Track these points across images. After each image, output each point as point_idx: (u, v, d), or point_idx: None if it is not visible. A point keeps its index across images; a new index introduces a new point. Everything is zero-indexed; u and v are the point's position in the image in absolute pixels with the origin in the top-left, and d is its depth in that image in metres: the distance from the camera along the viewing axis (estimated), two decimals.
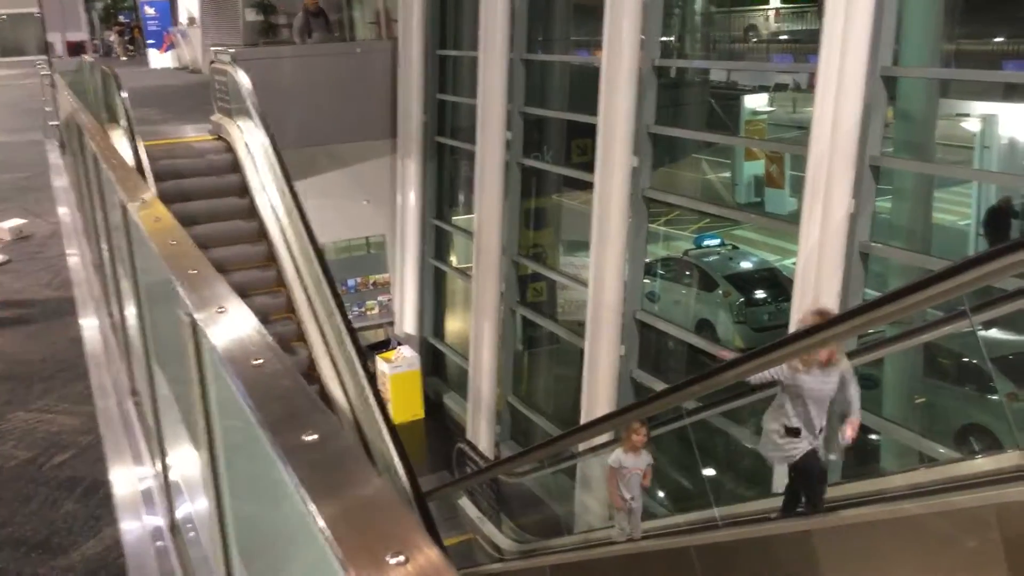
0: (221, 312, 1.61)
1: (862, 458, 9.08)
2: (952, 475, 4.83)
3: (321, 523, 0.96)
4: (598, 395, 11.54)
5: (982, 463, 4.69)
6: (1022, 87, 8.80)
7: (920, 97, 8.91)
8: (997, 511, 3.46)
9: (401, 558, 0.88)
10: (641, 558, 5.74)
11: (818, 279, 8.32)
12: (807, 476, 4.90)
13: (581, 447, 8.52)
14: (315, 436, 1.09)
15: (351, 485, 1.02)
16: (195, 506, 2.94)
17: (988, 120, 13.43)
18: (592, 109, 11.35)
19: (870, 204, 8.31)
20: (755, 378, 4.86)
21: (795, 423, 4.77)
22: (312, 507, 0.98)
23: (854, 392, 5.00)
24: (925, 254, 8.51)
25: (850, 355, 7.07)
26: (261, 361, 1.38)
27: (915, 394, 9.82)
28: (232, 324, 1.57)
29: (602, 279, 11.39)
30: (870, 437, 9.17)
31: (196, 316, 1.69)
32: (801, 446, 4.77)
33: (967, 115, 15.65)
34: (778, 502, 6.25)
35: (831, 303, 8.11)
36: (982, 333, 9.87)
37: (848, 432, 4.85)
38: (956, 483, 4.43)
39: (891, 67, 8.01)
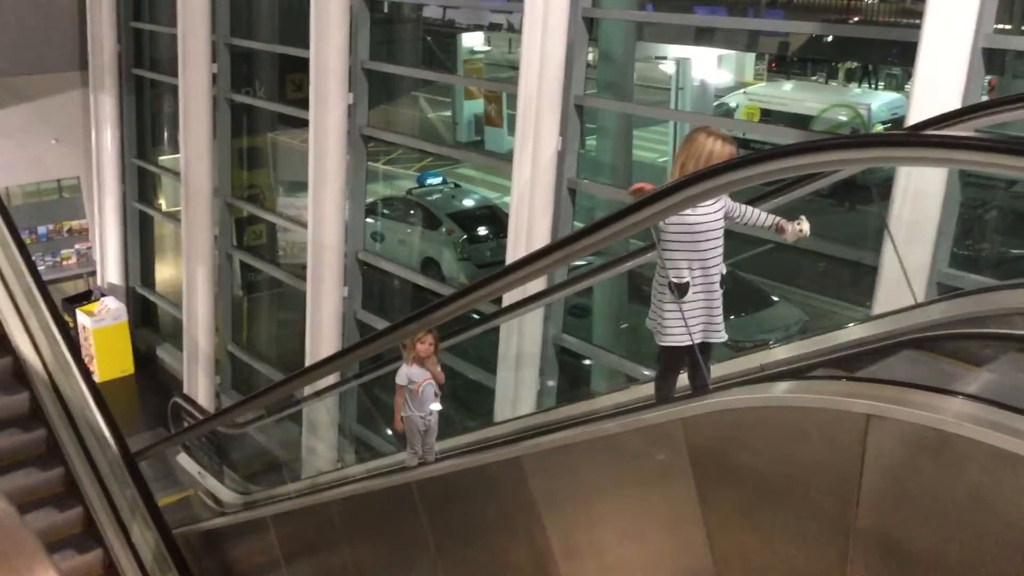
0: None
1: (574, 383, 9.63)
2: (647, 394, 5.20)
3: None
4: (322, 338, 11.34)
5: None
6: (711, 31, 9.45)
7: (619, 39, 9.36)
8: (683, 424, 3.73)
9: None
10: (429, 484, 5.36)
11: (531, 214, 8.59)
12: (695, 351, 4.07)
13: (307, 391, 8.34)
14: None
15: None
16: None
17: (682, 63, 14.40)
18: (306, 42, 10.90)
19: (576, 142, 8.67)
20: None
21: (686, 276, 3.95)
22: None
23: (753, 211, 4.24)
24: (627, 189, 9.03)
25: (560, 286, 7.42)
26: None
27: (622, 320, 10.53)
28: None
29: (322, 220, 11.10)
30: (583, 362, 9.75)
31: None
32: (695, 314, 3.94)
33: (664, 58, 16.77)
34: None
35: (543, 234, 8.43)
36: None
37: (789, 229, 4.09)
38: (650, 401, 4.77)
39: (591, 8, 8.32)
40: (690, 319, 4.01)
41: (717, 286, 4.06)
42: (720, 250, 4.08)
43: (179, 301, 14.56)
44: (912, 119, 5.74)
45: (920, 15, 6.00)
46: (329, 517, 6.39)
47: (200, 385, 13.83)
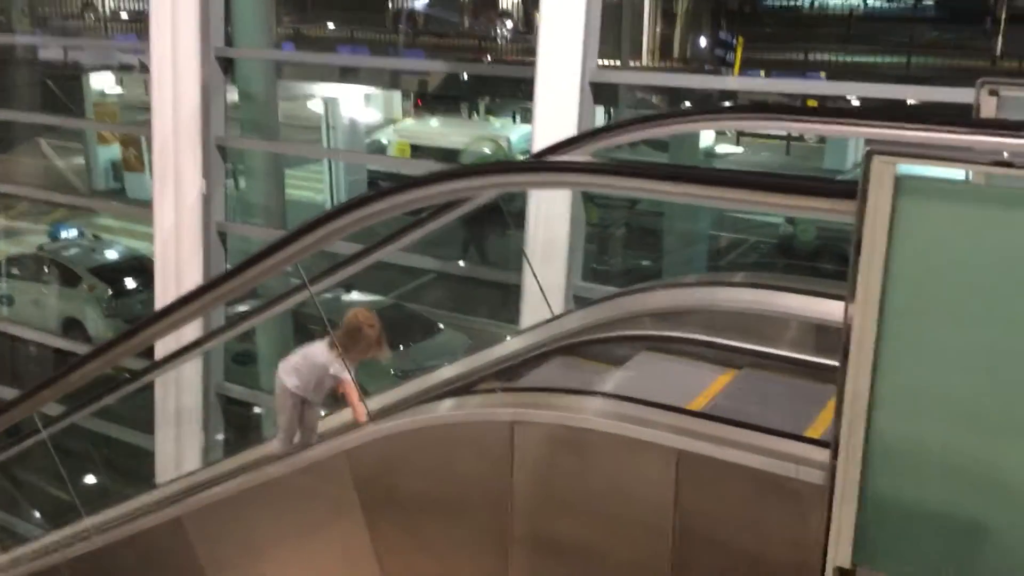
0: None
1: (243, 433, 9.28)
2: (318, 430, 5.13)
3: None
4: None
5: (337, 416, 5.08)
6: (355, 70, 9.63)
7: (259, 79, 9.23)
8: (347, 456, 3.73)
9: None
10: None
11: (179, 261, 8.18)
12: None
13: None
14: None
15: None
16: None
17: (331, 102, 14.53)
18: None
19: (221, 184, 8.40)
20: None
21: None
22: None
23: None
24: (281, 229, 8.90)
25: (219, 331, 7.09)
26: None
27: None
28: None
29: None
30: (253, 410, 9.41)
31: None
32: None
33: (313, 96, 16.81)
34: None
35: (194, 282, 8.04)
36: (346, 297, 10.80)
37: None
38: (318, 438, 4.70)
39: (225, 48, 8.12)
40: None
41: None
42: None
43: None
44: (536, 147, 6.22)
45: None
46: None
47: None
